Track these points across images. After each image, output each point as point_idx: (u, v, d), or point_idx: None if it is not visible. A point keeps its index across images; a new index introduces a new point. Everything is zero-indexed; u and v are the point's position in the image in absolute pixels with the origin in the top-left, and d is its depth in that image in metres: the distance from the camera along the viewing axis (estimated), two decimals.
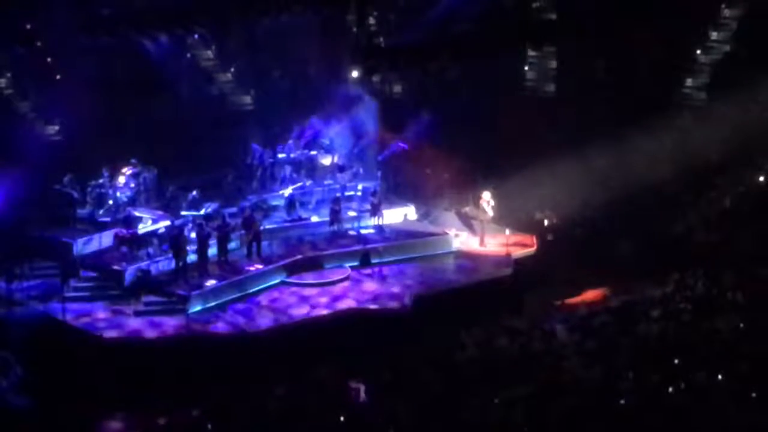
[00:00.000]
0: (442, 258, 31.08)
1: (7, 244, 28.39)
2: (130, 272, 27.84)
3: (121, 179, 31.39)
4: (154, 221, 29.57)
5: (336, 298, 27.96)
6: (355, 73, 34.55)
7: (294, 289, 28.61)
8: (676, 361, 21.02)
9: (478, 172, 33.49)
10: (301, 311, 27.19)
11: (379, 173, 34.15)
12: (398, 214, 33.23)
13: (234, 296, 27.80)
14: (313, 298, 27.94)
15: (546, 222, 32.81)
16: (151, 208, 31.12)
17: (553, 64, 35.87)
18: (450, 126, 34.10)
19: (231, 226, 29.16)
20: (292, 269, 29.34)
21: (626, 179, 31.54)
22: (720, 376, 19.99)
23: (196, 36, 35.80)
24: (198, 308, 26.98)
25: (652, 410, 18.85)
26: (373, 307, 27.52)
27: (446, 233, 31.97)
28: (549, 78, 35.92)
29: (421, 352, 23.76)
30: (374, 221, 32.01)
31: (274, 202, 32.81)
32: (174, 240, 28.10)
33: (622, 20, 33.31)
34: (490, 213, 31.43)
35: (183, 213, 30.01)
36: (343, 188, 33.41)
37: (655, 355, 21.37)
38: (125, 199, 31.00)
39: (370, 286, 28.84)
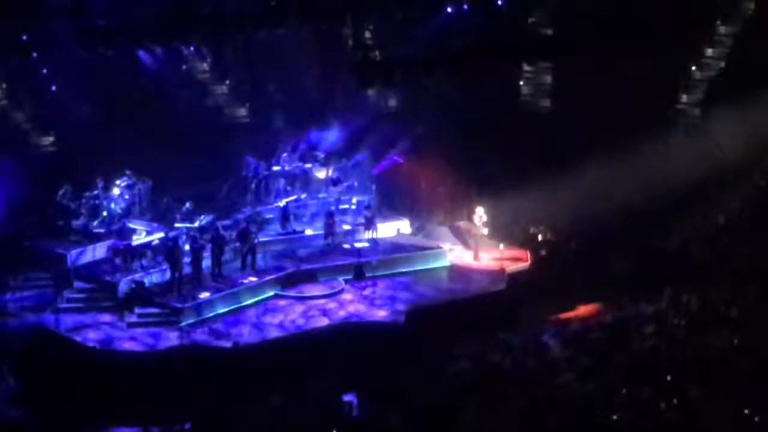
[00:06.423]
0: (436, 272, 31.04)
1: (1, 254, 28.36)
2: (123, 284, 27.83)
3: (116, 190, 31.44)
4: (148, 233, 29.62)
5: (330, 311, 27.94)
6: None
7: (288, 301, 28.58)
8: (669, 377, 21.01)
9: (473, 186, 33.49)
10: (294, 324, 27.16)
11: (373, 187, 34.14)
12: (392, 228, 33.19)
13: (227, 308, 27.78)
14: (307, 311, 27.92)
15: (540, 237, 32.75)
16: (146, 219, 31.18)
17: (549, 79, 35.95)
18: (445, 140, 34.12)
19: (225, 238, 29.14)
20: (286, 282, 29.32)
21: (620, 195, 31.52)
22: (713, 393, 19.98)
23: (191, 48, 35.88)
24: (191, 320, 26.97)
25: (644, 426, 18.83)
26: (366, 320, 27.50)
27: (440, 247, 31.94)
28: (544, 93, 35.99)
29: (415, 365, 23.72)
30: (368, 235, 31.99)
31: (268, 215, 32.78)
32: (168, 252, 28.09)
33: (617, 36, 33.37)
34: (483, 229, 31.40)
35: (177, 225, 29.98)
36: (338, 201, 33.39)
37: (648, 371, 21.36)
38: (119, 211, 31.02)
39: (364, 299, 28.81)
